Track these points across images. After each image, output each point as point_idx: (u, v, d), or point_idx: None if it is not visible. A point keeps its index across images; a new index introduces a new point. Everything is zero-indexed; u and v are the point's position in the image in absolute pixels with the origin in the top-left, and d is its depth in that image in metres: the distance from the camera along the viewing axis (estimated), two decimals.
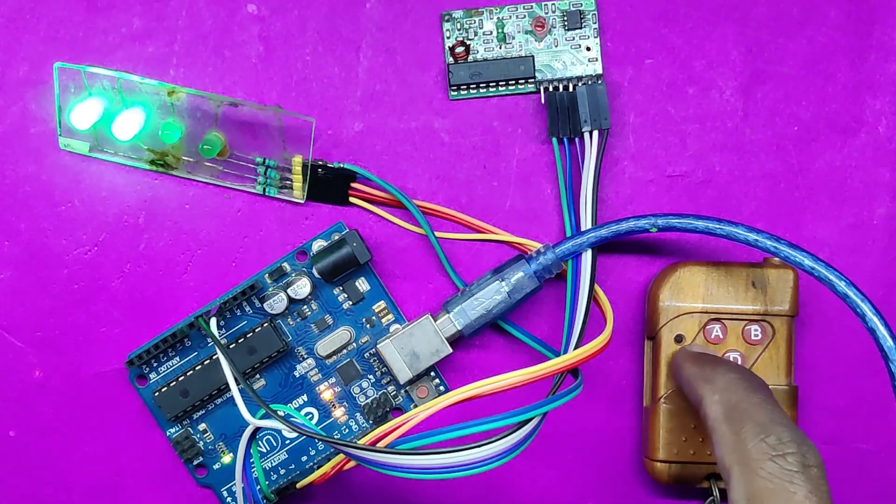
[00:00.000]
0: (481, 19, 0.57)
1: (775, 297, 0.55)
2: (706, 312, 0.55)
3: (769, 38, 0.57)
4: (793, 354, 0.56)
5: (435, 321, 0.55)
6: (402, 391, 0.58)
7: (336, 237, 0.56)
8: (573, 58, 0.57)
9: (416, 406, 0.57)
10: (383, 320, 0.57)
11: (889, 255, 0.57)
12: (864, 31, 0.57)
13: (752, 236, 0.51)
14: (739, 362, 0.55)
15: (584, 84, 0.56)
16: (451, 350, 0.55)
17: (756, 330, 0.55)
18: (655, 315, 0.55)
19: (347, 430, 0.58)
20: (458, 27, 0.57)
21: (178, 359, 0.57)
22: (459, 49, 0.57)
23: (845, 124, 0.57)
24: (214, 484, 0.58)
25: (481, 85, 0.57)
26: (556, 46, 0.57)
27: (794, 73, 0.57)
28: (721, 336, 0.55)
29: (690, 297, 0.55)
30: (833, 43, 0.57)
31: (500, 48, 0.57)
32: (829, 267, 0.50)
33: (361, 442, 0.49)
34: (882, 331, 0.48)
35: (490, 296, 0.54)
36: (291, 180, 0.56)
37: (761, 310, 0.55)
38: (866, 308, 0.49)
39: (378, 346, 0.55)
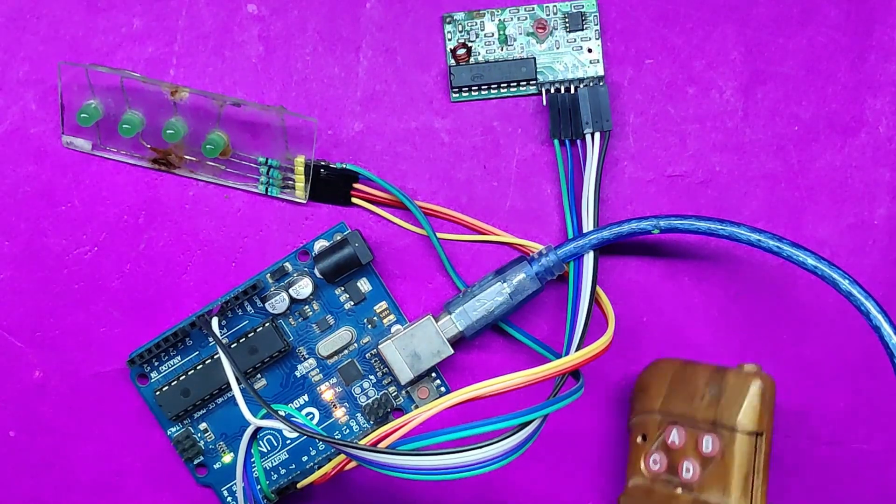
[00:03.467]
0: (483, 21, 0.57)
1: (729, 407, 0.48)
2: (665, 414, 0.52)
3: (769, 38, 0.57)
4: (751, 475, 0.49)
5: (436, 322, 0.55)
6: (403, 392, 0.58)
7: (338, 237, 0.56)
8: (574, 59, 0.57)
9: (417, 407, 0.57)
10: (385, 321, 0.57)
11: (889, 255, 0.58)
12: (864, 31, 0.57)
13: (754, 236, 0.51)
14: (694, 474, 0.50)
15: (586, 86, 0.56)
16: (452, 351, 0.55)
17: (708, 441, 0.50)
18: (631, 406, 0.53)
19: (348, 431, 0.58)
20: (460, 29, 0.57)
21: (179, 358, 0.57)
22: (461, 51, 0.57)
23: (845, 124, 0.58)
24: (215, 483, 0.58)
25: (483, 87, 0.57)
26: (558, 48, 0.57)
27: (794, 73, 0.57)
28: (677, 442, 0.51)
29: (653, 397, 0.52)
30: (833, 43, 0.57)
31: (502, 50, 0.57)
32: (833, 265, 0.50)
33: (362, 442, 0.50)
34: (886, 328, 0.49)
35: (492, 297, 0.54)
36: (294, 180, 0.56)
37: (710, 418, 0.49)
38: (870, 306, 0.49)
39: (379, 346, 0.55)
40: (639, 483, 0.51)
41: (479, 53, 0.57)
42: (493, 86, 0.57)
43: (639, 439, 0.51)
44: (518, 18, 0.57)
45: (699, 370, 0.49)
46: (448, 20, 0.57)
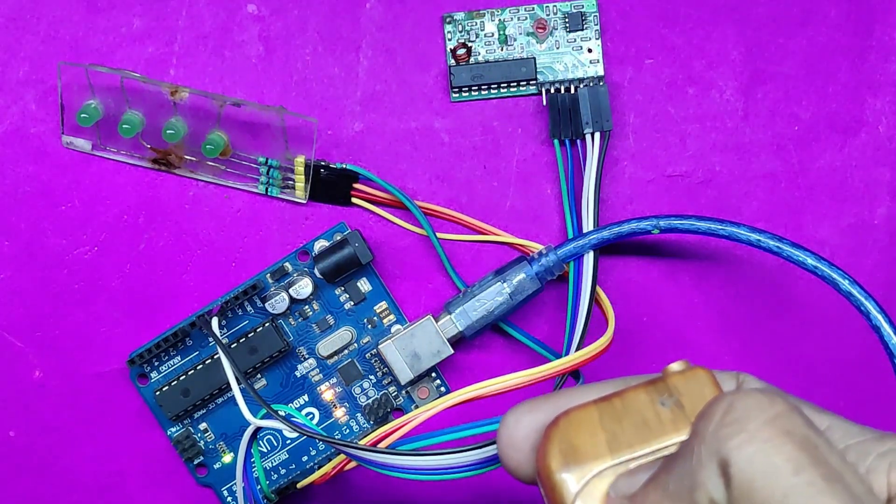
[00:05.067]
0: (483, 21, 0.57)
1: (697, 407, 0.35)
2: (620, 463, 0.35)
3: (769, 38, 0.57)
4: None
5: (436, 322, 0.55)
6: (403, 392, 0.58)
7: (338, 237, 0.56)
8: (574, 59, 0.57)
9: (417, 407, 0.57)
10: (385, 321, 0.57)
11: (889, 254, 0.58)
12: (864, 31, 0.57)
13: (754, 236, 0.51)
14: None
15: (586, 86, 0.56)
16: (452, 351, 0.55)
17: None
18: (558, 492, 0.36)
19: (348, 431, 0.58)
20: (460, 29, 0.57)
21: (179, 358, 0.57)
22: (461, 51, 0.57)
23: (845, 124, 0.58)
24: (215, 483, 0.58)
25: (483, 87, 0.57)
26: (558, 48, 0.57)
27: (794, 73, 0.57)
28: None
29: (592, 452, 0.35)
30: (833, 43, 0.57)
31: (502, 50, 0.57)
32: (833, 265, 0.50)
33: (362, 442, 0.50)
34: (886, 328, 0.49)
35: (491, 297, 0.54)
36: (294, 180, 0.56)
37: (686, 430, 0.35)
38: (870, 306, 0.49)
39: (379, 346, 0.55)
40: None
41: (479, 53, 0.57)
42: (493, 86, 0.57)
43: None
44: (518, 18, 0.57)
45: (628, 395, 0.36)
46: (448, 20, 0.57)
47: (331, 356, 0.57)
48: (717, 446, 0.31)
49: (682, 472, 0.32)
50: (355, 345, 0.58)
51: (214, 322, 0.55)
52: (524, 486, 0.58)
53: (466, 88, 0.57)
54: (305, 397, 0.58)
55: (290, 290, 0.56)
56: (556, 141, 0.56)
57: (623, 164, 0.58)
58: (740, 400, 0.32)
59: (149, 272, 0.58)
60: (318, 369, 0.58)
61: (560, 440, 0.36)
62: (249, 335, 0.56)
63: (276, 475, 0.58)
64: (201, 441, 0.58)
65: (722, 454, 0.31)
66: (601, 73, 0.57)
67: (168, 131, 0.55)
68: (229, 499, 0.58)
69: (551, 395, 0.38)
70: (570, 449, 0.36)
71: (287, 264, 0.57)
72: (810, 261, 0.50)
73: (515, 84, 0.57)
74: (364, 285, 0.57)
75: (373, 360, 0.58)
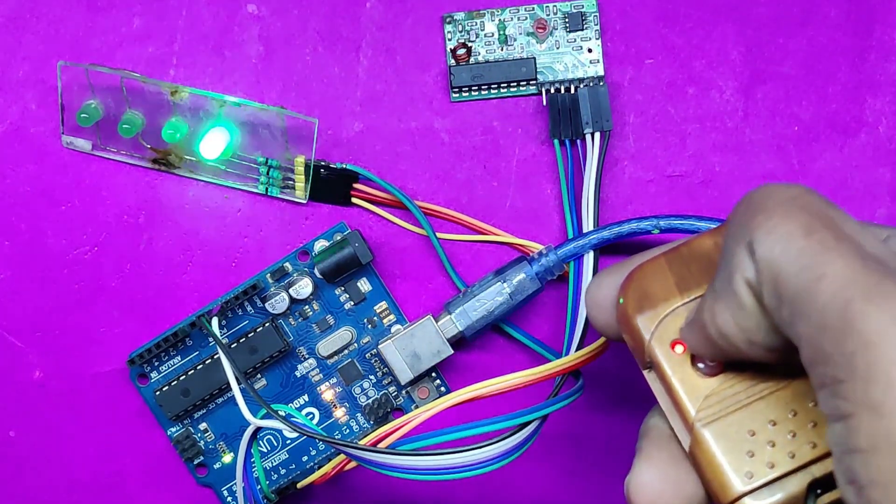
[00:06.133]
0: (483, 21, 0.57)
1: None
2: (692, 301, 0.40)
3: (769, 38, 0.57)
4: None
5: (436, 322, 0.55)
6: (404, 392, 0.58)
7: (338, 237, 0.56)
8: (574, 59, 0.57)
9: (417, 407, 0.57)
10: (385, 321, 0.57)
11: None
12: (864, 31, 0.57)
13: None
14: None
15: (586, 86, 0.56)
16: (452, 351, 0.55)
17: None
18: (636, 334, 0.41)
19: (348, 431, 0.58)
20: (460, 29, 0.57)
21: (179, 358, 0.57)
22: (461, 51, 0.57)
23: (845, 124, 0.58)
24: (215, 483, 0.58)
25: (483, 87, 0.57)
26: (558, 48, 0.57)
27: (794, 73, 0.57)
28: None
29: (663, 294, 0.40)
30: (833, 43, 0.57)
31: (502, 50, 0.57)
32: None
33: (362, 442, 0.50)
34: None
35: (492, 297, 0.54)
36: (294, 180, 0.56)
37: None
38: None
39: (379, 346, 0.55)
40: (710, 402, 0.39)
41: (479, 53, 0.57)
42: (493, 86, 0.57)
43: (672, 354, 0.39)
44: (518, 18, 0.57)
45: (693, 243, 0.40)
46: (448, 20, 0.57)
47: (331, 356, 0.57)
48: (742, 232, 0.35)
49: (722, 268, 0.36)
50: (355, 345, 0.58)
51: (214, 322, 0.55)
52: (523, 486, 0.58)
53: (466, 88, 0.57)
54: (305, 397, 0.58)
55: (290, 290, 0.56)
56: (556, 141, 0.56)
57: (623, 164, 0.58)
58: (758, 190, 0.36)
59: (149, 272, 0.58)
60: (318, 369, 0.58)
61: (634, 289, 0.40)
62: (249, 335, 0.56)
63: (276, 475, 0.58)
64: (201, 441, 0.58)
65: (747, 237, 0.34)
66: (601, 73, 0.57)
67: (168, 131, 0.55)
68: (229, 499, 0.58)
69: (626, 260, 0.43)
70: (644, 295, 0.40)
71: (287, 264, 0.57)
72: None
73: (515, 84, 0.57)
74: (364, 285, 0.57)
75: (373, 360, 0.58)
